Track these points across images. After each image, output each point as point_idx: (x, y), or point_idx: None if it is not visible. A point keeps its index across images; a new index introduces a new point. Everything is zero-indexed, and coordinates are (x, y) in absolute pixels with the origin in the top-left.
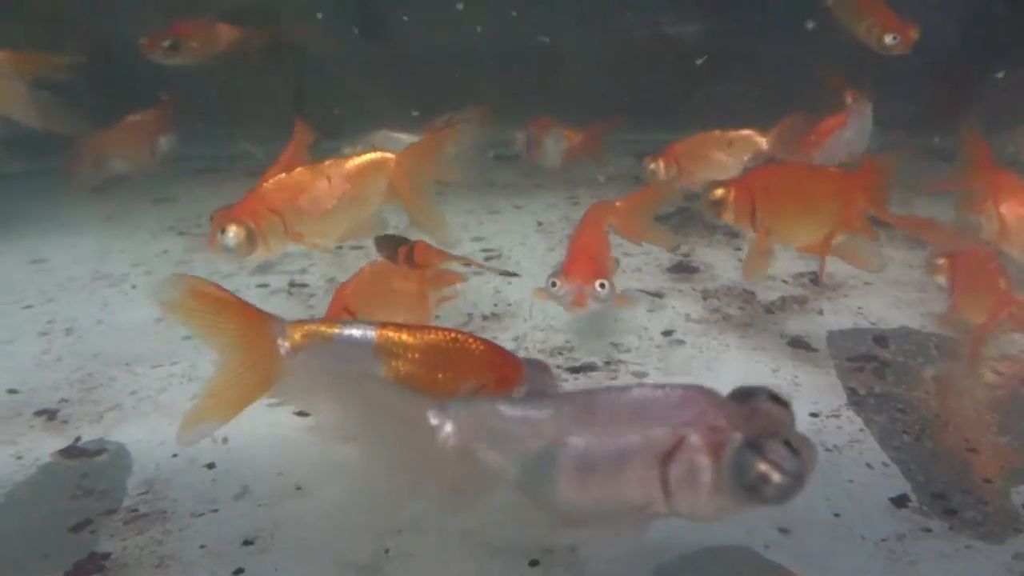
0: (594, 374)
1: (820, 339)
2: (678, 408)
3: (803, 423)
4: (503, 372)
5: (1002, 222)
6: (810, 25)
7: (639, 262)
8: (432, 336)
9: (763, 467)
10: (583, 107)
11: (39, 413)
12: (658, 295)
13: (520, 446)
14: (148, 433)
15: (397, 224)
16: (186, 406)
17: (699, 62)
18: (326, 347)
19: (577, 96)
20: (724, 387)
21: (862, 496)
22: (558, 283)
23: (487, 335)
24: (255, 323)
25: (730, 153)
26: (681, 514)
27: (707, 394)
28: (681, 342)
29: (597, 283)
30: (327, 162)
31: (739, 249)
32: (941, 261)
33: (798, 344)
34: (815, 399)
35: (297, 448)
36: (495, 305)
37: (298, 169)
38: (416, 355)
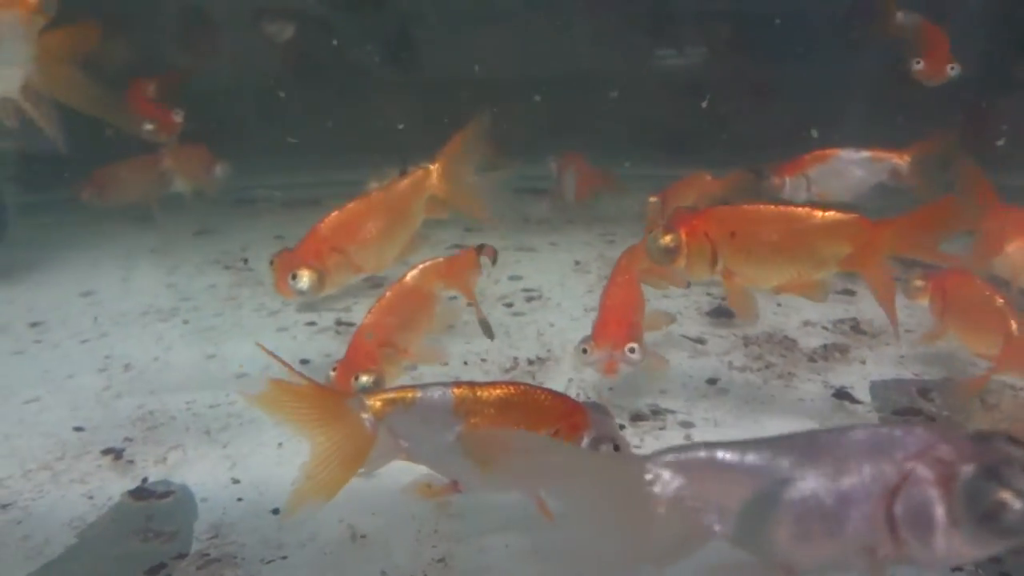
0: (643, 423)
1: (864, 390)
2: (904, 444)
3: None
4: (572, 420)
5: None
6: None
7: (678, 305)
8: (504, 390)
9: (1001, 494)
10: (611, 141)
11: (106, 452)
12: (700, 341)
13: (738, 493)
14: (212, 475)
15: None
16: (245, 448)
17: (704, 104)
18: (408, 411)
19: (605, 130)
20: None
21: None
22: (588, 350)
23: (533, 381)
24: (334, 404)
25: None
26: (912, 558)
27: (935, 431)
28: (725, 391)
29: (627, 348)
30: (374, 191)
31: (777, 293)
32: (921, 283)
33: (843, 396)
34: None
35: (357, 495)
36: (541, 349)
37: (349, 204)
38: (492, 410)
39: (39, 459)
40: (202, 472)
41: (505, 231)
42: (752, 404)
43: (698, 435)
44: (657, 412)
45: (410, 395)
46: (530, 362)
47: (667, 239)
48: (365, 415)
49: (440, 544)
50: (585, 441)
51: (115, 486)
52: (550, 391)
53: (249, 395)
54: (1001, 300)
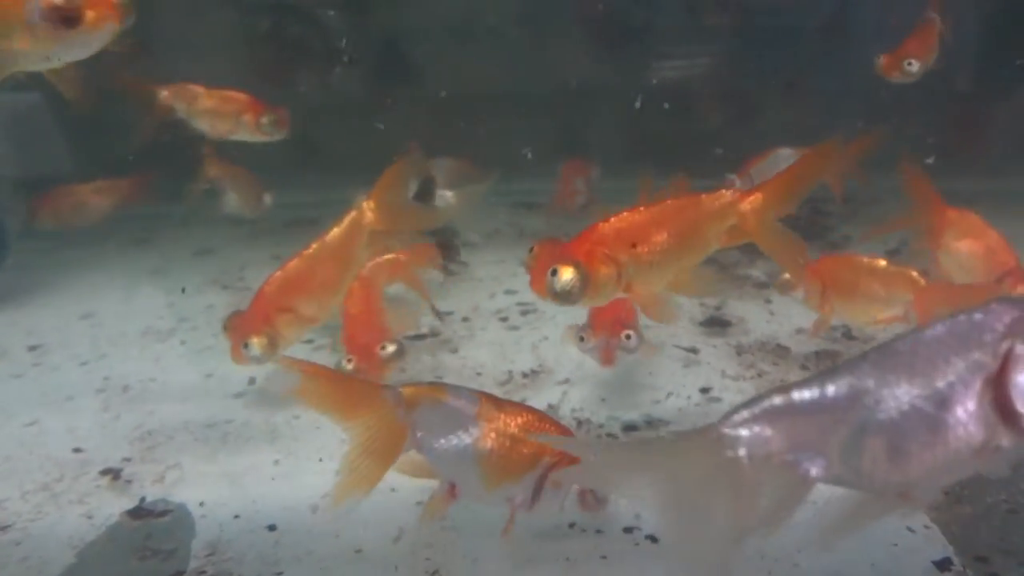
0: (636, 434)
1: None
2: (988, 326)
3: None
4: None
5: (955, 258)
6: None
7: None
8: (524, 413)
9: None
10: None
11: (104, 472)
12: (692, 350)
13: (829, 430)
14: (209, 493)
15: None
16: (242, 465)
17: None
18: (435, 408)
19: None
20: None
21: (906, 559)
22: (585, 337)
23: (528, 392)
24: (370, 395)
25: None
26: None
27: (1012, 304)
28: (719, 399)
29: (624, 335)
30: (313, 246)
31: (769, 301)
32: (787, 276)
33: None
34: None
35: (350, 511)
36: (535, 362)
37: (292, 263)
38: (509, 427)
39: (38, 480)
40: (200, 490)
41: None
42: None
43: None
44: (650, 422)
45: (439, 394)
46: (524, 375)
47: (568, 277)
48: (399, 407)
49: (434, 556)
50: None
51: (113, 506)
52: (562, 426)
53: (285, 390)
54: (884, 262)
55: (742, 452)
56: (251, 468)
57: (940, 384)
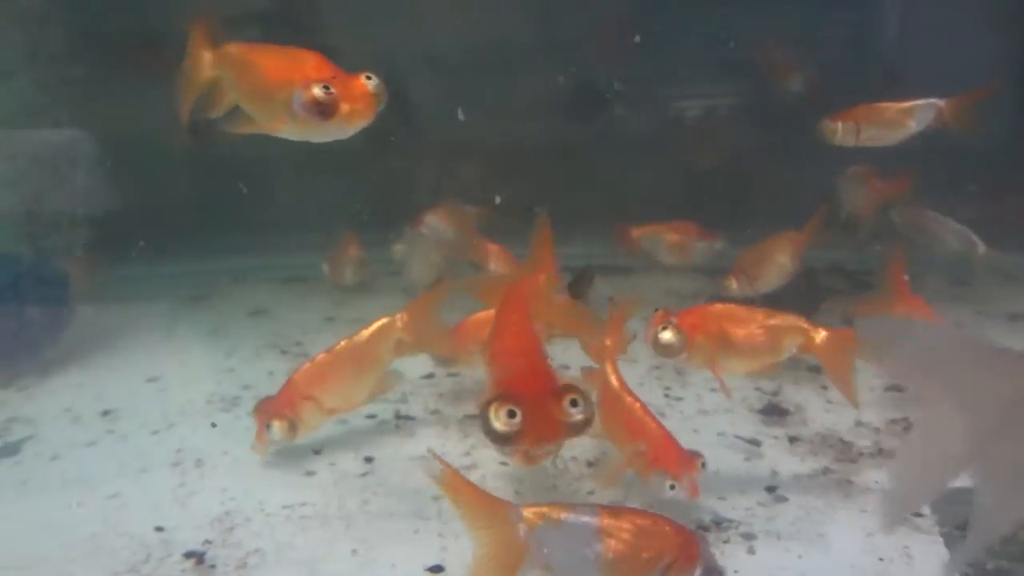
0: (707, 535)
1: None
2: None
3: None
4: (689, 551)
5: None
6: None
7: (728, 401)
8: (640, 519)
9: None
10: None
11: (188, 555)
12: (754, 442)
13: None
14: None
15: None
16: (320, 552)
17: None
18: (556, 526)
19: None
20: (836, 558)
21: None
22: (676, 486)
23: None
24: (496, 510)
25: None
26: None
27: None
28: (785, 499)
29: (700, 464)
30: (342, 343)
31: (826, 388)
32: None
33: None
34: None
35: None
36: (596, 452)
37: (320, 356)
38: (628, 536)
39: (126, 561)
40: None
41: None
42: (814, 515)
43: (761, 548)
44: (719, 522)
45: (560, 513)
46: (589, 464)
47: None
48: (521, 525)
49: None
50: (698, 573)
51: None
52: (674, 523)
53: (435, 476)
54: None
55: None
56: (329, 557)
57: None
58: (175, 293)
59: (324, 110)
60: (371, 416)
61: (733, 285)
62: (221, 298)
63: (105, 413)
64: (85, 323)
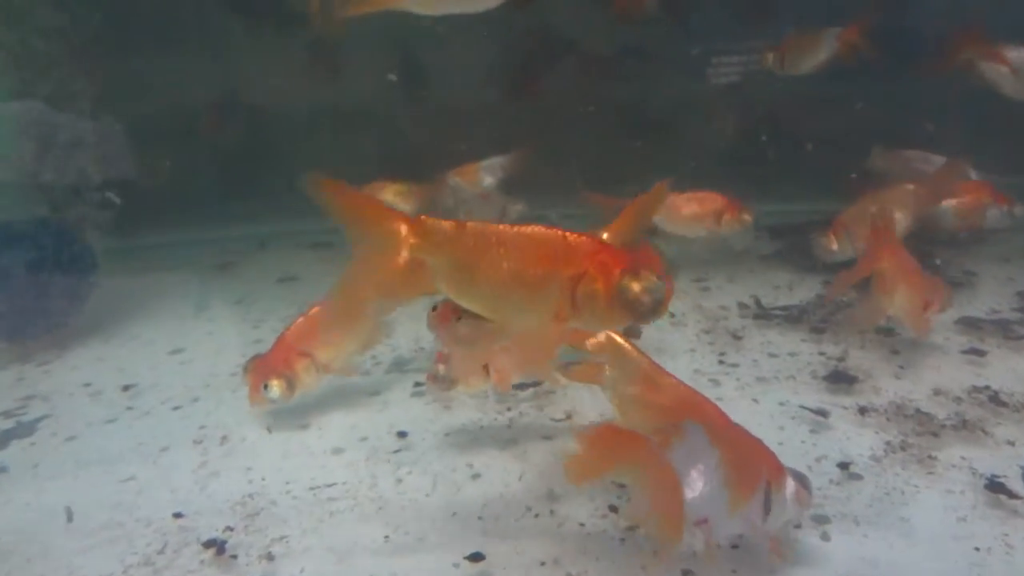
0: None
1: (1017, 479)
2: None
3: None
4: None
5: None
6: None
7: (790, 367)
8: (741, 433)
9: None
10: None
11: (208, 544)
12: (822, 413)
13: None
14: (318, 570)
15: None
16: (351, 538)
17: None
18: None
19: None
20: (924, 546)
21: None
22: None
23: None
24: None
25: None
26: None
27: None
28: (859, 477)
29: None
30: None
31: (896, 352)
32: None
33: (996, 488)
34: None
35: None
36: None
37: (312, 310)
38: (738, 448)
39: (140, 552)
40: (308, 568)
41: None
42: (894, 495)
43: (835, 533)
44: None
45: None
46: None
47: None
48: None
49: None
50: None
51: None
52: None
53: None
54: None
55: None
56: (358, 542)
57: None
58: (200, 261)
59: None
60: (417, 384)
61: (833, 245)
62: (248, 265)
63: (126, 388)
64: (108, 294)
